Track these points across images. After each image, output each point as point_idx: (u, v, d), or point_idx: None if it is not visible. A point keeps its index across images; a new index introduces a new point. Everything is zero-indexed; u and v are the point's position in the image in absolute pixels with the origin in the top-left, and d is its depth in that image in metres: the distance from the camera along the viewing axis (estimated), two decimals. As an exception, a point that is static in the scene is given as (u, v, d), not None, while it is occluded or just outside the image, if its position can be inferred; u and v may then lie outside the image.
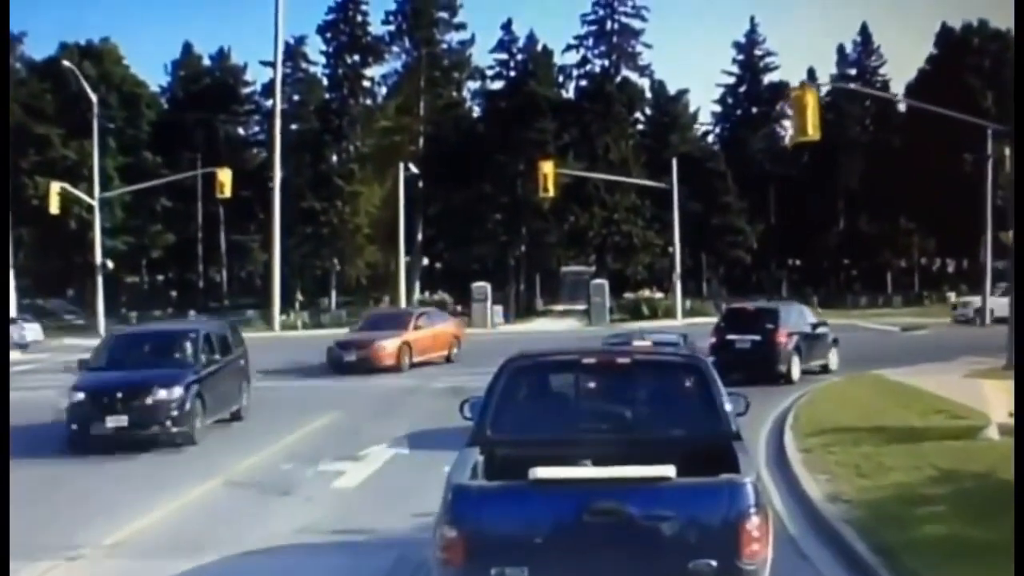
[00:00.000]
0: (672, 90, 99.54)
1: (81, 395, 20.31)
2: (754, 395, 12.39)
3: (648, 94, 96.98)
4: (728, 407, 9.96)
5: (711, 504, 8.31)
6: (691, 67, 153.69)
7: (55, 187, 58.44)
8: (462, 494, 8.50)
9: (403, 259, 72.03)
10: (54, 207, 58.21)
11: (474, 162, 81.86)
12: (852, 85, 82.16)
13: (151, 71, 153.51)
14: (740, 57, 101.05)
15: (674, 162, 70.32)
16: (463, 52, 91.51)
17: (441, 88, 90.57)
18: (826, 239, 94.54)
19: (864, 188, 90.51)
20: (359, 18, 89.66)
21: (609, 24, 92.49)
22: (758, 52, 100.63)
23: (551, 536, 8.21)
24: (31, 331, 56.04)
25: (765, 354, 28.96)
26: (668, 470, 8.37)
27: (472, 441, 9.87)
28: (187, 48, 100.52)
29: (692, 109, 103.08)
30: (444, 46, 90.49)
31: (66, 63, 71.34)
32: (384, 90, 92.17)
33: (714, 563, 8.10)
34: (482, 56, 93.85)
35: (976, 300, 56.62)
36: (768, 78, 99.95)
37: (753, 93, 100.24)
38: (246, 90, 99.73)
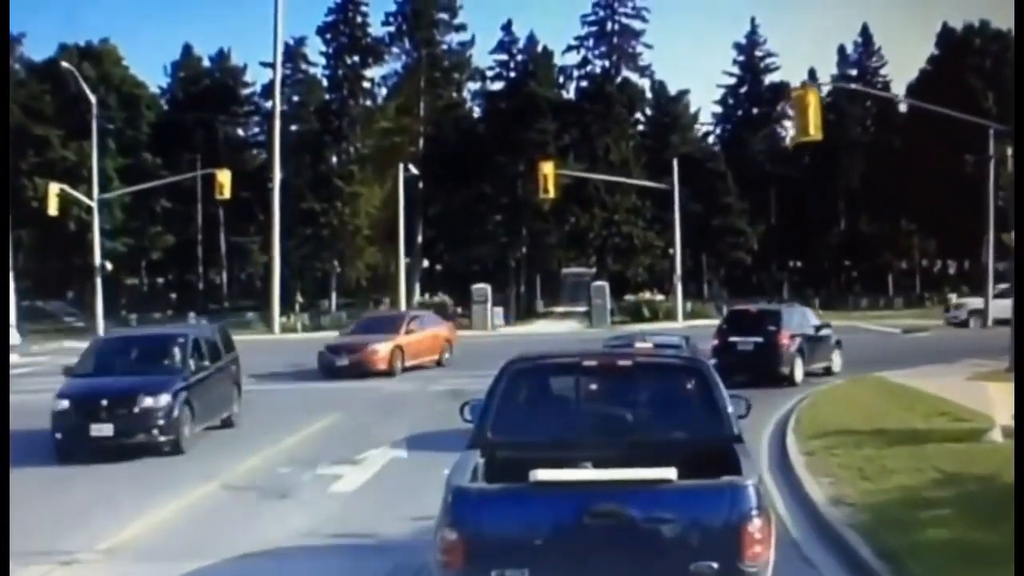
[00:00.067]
0: (673, 91, 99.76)
1: (65, 403, 19.72)
2: (756, 397, 12.33)
3: (649, 95, 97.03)
4: (730, 409, 9.90)
5: (713, 506, 8.27)
6: (692, 68, 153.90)
7: (54, 188, 58.17)
8: (462, 496, 8.48)
9: (403, 260, 71.87)
10: (53, 209, 57.94)
11: (474, 163, 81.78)
12: (853, 85, 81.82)
13: (151, 72, 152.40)
14: (741, 58, 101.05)
15: (675, 163, 70.18)
16: (463, 53, 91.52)
17: (441, 89, 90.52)
18: (827, 240, 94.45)
19: (865, 189, 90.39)
20: (359, 19, 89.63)
21: (609, 25, 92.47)
22: (759, 53, 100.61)
23: (552, 538, 8.17)
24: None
25: (768, 356, 28.91)
26: (669, 472, 8.33)
27: (472, 443, 9.83)
28: (187, 49, 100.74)
29: (693, 110, 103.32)
30: (444, 47, 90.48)
31: (65, 64, 71.15)
32: (384, 91, 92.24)
33: (716, 565, 8.07)
34: (482, 57, 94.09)
35: (970, 302, 56.43)
36: (769, 79, 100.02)
37: (754, 94, 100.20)
38: (246, 91, 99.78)
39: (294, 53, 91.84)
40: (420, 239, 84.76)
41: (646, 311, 67.85)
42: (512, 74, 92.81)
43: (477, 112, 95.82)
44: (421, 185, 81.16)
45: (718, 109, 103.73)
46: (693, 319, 62.93)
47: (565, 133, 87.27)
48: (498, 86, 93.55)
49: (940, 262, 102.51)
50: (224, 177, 57.73)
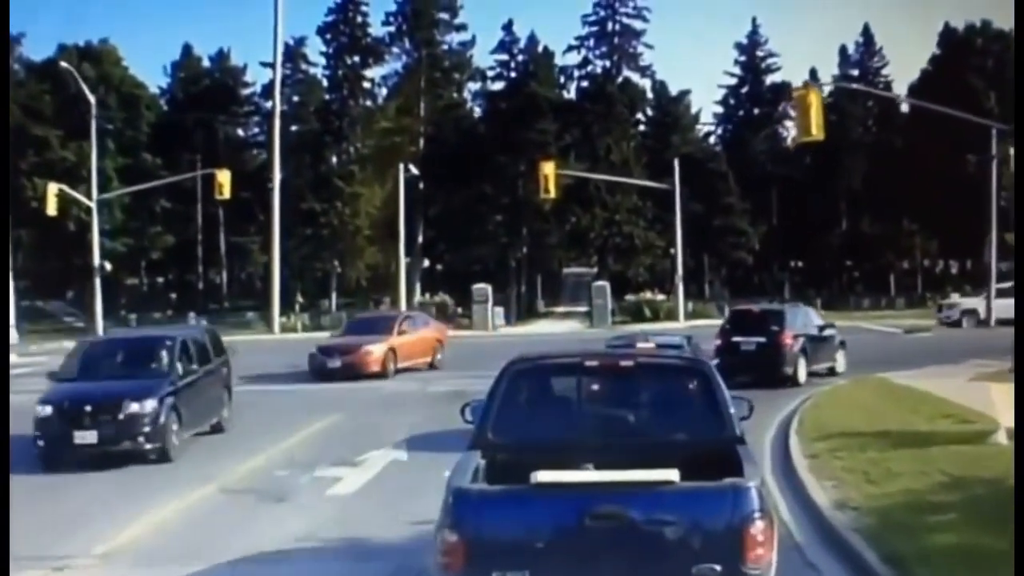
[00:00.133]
0: (674, 91, 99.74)
1: (48, 409, 19.03)
2: (759, 398, 12.21)
3: (650, 95, 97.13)
4: (732, 410, 9.85)
5: (715, 508, 8.19)
6: (693, 68, 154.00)
7: (53, 189, 58.12)
8: (463, 498, 8.41)
9: (403, 261, 71.76)
10: (51, 209, 57.88)
11: (475, 163, 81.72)
12: (855, 85, 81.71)
13: (151, 72, 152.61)
14: (742, 58, 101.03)
15: (676, 163, 70.06)
16: (464, 53, 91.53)
17: (442, 89, 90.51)
18: (828, 240, 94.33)
19: (867, 189, 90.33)
20: (359, 19, 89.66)
21: (610, 25, 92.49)
22: (760, 53, 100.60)
23: (553, 540, 8.11)
24: None
25: (771, 356, 28.79)
26: (671, 474, 8.25)
27: (473, 445, 9.77)
28: (187, 49, 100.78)
29: (694, 110, 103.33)
30: (445, 47, 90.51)
31: (64, 64, 71.07)
32: (384, 91, 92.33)
33: (718, 568, 8.00)
34: (483, 57, 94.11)
35: (963, 301, 56.32)
36: (770, 79, 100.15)
37: (755, 94, 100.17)
38: (246, 91, 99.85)
39: (294, 53, 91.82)
40: (420, 239, 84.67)
41: (647, 311, 67.69)
42: (513, 74, 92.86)
43: (478, 112, 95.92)
44: (421, 185, 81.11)
45: (719, 109, 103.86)
46: (694, 319, 62.84)
47: (566, 133, 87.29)
48: (499, 86, 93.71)
49: (942, 262, 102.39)
50: (224, 177, 57.66)
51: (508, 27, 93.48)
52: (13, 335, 56.23)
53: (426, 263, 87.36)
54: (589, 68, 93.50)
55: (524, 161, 78.21)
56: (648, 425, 10.26)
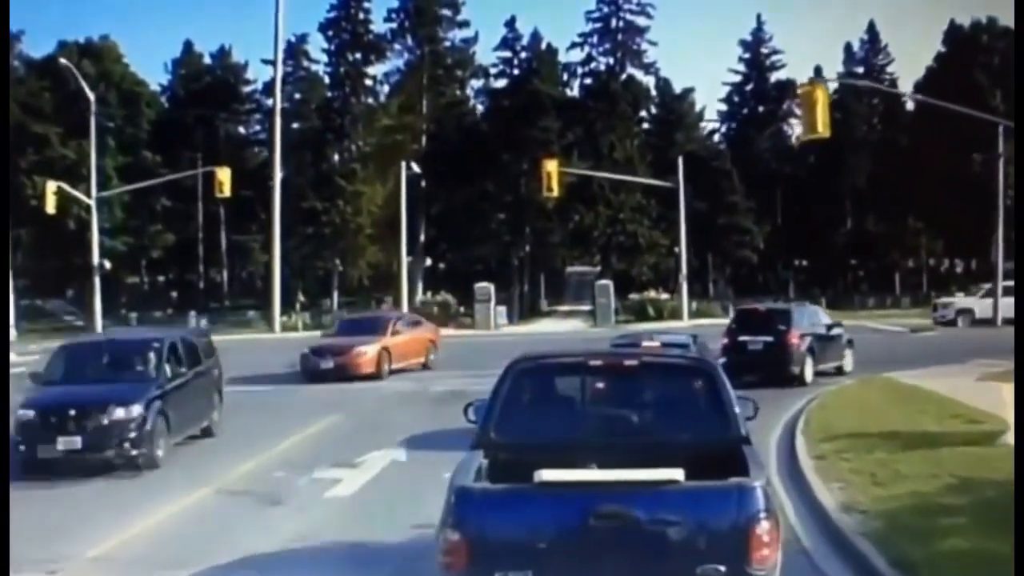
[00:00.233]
0: (678, 88, 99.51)
1: (30, 413, 18.25)
2: (765, 398, 12.11)
3: (653, 92, 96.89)
4: (737, 410, 9.78)
5: (720, 508, 8.15)
6: (697, 65, 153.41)
7: (51, 187, 57.93)
8: (465, 496, 8.39)
9: (405, 259, 71.49)
10: (50, 207, 57.68)
11: (477, 161, 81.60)
12: (862, 82, 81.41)
13: (151, 69, 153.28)
14: (746, 55, 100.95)
15: (680, 161, 69.80)
16: (466, 50, 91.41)
17: (444, 86, 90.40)
18: (833, 239, 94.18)
19: (872, 188, 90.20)
20: (361, 16, 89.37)
21: (614, 22, 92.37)
22: (764, 50, 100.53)
23: (556, 540, 8.09)
24: None
25: (778, 356, 28.69)
26: (676, 473, 8.23)
27: (476, 444, 9.74)
28: (188, 46, 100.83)
29: (698, 107, 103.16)
30: (447, 44, 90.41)
31: (63, 61, 70.93)
32: (386, 88, 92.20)
33: (723, 568, 7.97)
34: (485, 54, 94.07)
35: (957, 301, 56.27)
36: (775, 76, 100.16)
37: (760, 91, 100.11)
38: (247, 88, 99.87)
39: (296, 50, 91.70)
40: (423, 238, 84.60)
41: (651, 310, 67.44)
42: (516, 71, 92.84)
43: (480, 110, 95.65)
44: (423, 183, 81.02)
45: (723, 107, 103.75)
46: (698, 318, 62.66)
47: (569, 131, 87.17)
48: (501, 83, 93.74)
49: (947, 261, 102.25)
50: (224, 175, 57.45)
51: (511, 24, 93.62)
52: (12, 333, 56.02)
53: (428, 262, 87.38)
54: (592, 65, 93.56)
55: (527, 159, 78.07)
56: (652, 425, 10.20)
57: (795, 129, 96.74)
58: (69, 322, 75.98)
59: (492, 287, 66.35)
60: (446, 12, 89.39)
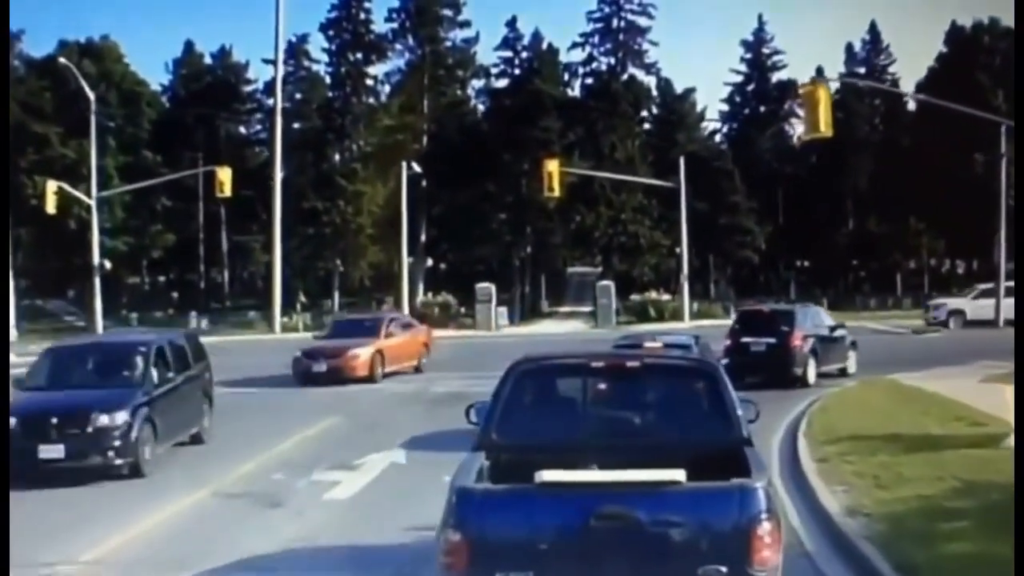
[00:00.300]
0: (679, 88, 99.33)
1: (12, 421, 17.32)
2: (767, 399, 12.04)
3: (655, 92, 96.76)
4: (739, 412, 9.78)
5: (721, 509, 8.14)
6: (698, 65, 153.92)
7: (52, 187, 57.85)
8: (466, 497, 8.36)
9: (406, 260, 71.40)
10: (50, 207, 57.59)
11: (478, 161, 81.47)
12: (864, 82, 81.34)
13: (152, 69, 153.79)
14: (748, 55, 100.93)
15: (681, 161, 69.71)
16: (467, 50, 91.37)
17: (445, 86, 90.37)
18: (835, 239, 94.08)
19: (873, 188, 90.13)
20: (362, 15, 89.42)
21: (615, 22, 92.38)
22: (766, 50, 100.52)
23: (557, 541, 8.07)
24: None
25: (780, 357, 28.61)
26: (678, 474, 8.21)
27: (478, 446, 9.73)
28: (188, 46, 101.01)
29: (699, 108, 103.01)
30: (448, 44, 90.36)
31: (63, 60, 70.84)
32: (387, 88, 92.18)
33: (724, 569, 7.95)
34: (486, 54, 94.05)
35: (950, 302, 55.94)
36: (776, 76, 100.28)
37: (761, 92, 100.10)
38: (248, 88, 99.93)
39: (297, 50, 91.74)
40: (423, 238, 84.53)
41: (652, 311, 67.35)
42: (517, 71, 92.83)
43: (481, 110, 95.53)
44: (424, 183, 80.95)
45: (725, 107, 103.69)
46: (700, 319, 62.64)
47: (570, 131, 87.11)
48: (502, 83, 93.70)
49: (949, 262, 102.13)
50: (224, 175, 57.33)
51: (512, 24, 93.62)
52: (12, 334, 55.95)
53: (429, 262, 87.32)
54: (594, 65, 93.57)
55: (528, 159, 77.97)
56: (654, 427, 10.18)
57: (796, 129, 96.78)
58: (70, 322, 76.01)
59: (493, 288, 66.32)
60: (447, 12, 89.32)
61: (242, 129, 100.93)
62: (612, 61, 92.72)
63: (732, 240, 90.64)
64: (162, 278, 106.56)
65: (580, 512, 8.04)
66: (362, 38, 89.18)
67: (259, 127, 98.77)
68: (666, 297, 71.86)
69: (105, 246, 69.93)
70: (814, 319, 31.00)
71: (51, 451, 17.19)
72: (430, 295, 74.08)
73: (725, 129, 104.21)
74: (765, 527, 8.00)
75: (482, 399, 10.48)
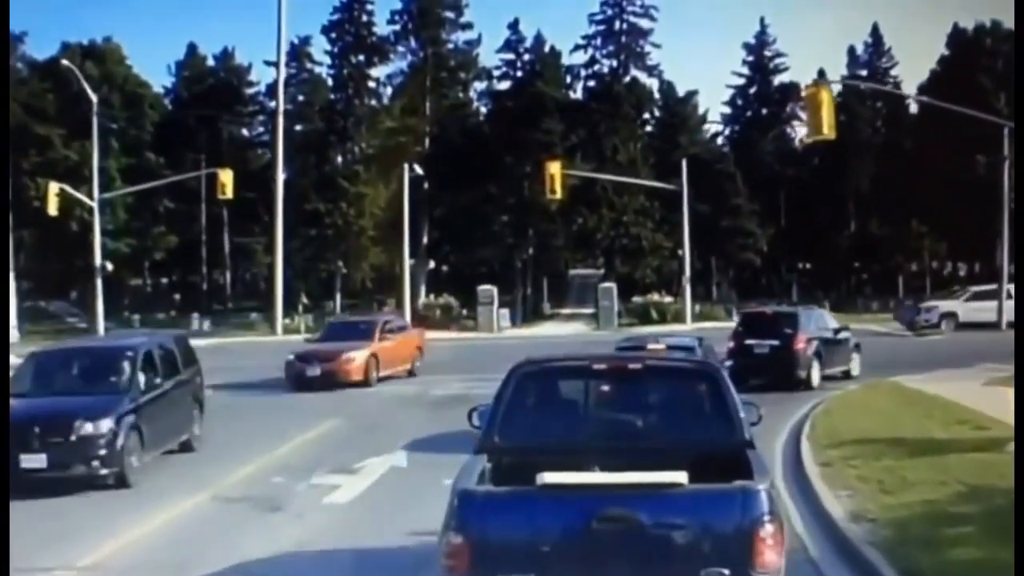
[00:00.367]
0: (681, 91, 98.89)
1: None
2: (770, 402, 11.95)
3: (657, 95, 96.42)
4: (742, 415, 9.79)
5: (724, 511, 8.15)
6: (700, 68, 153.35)
7: (53, 188, 57.84)
8: (468, 499, 8.36)
9: (408, 261, 71.29)
10: (52, 209, 57.60)
11: (480, 163, 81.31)
12: (866, 84, 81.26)
13: (155, 71, 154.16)
14: (750, 58, 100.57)
15: (683, 164, 69.64)
16: (469, 52, 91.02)
17: (447, 88, 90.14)
18: (837, 242, 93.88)
19: (875, 190, 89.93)
20: (364, 18, 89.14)
21: (617, 24, 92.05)
22: (768, 53, 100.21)
23: (559, 543, 8.06)
24: None
25: (784, 359, 28.62)
26: (680, 476, 8.22)
27: (479, 448, 9.75)
28: (191, 48, 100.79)
29: (701, 110, 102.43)
30: (450, 46, 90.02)
31: (65, 62, 70.76)
32: (389, 90, 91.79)
33: (727, 572, 7.95)
34: (489, 56, 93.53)
35: (941, 304, 55.42)
36: (778, 79, 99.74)
37: (763, 94, 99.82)
38: (250, 90, 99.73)
39: (299, 52, 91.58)
40: (425, 240, 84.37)
41: (654, 313, 67.23)
42: (519, 73, 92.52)
43: (483, 112, 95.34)
44: (426, 185, 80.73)
45: (727, 110, 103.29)
46: (702, 321, 62.54)
47: (572, 133, 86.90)
48: (505, 85, 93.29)
49: (951, 264, 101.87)
50: (226, 176, 57.37)
51: (514, 26, 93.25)
52: (14, 335, 55.89)
53: (431, 264, 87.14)
54: (596, 67, 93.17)
55: (530, 161, 77.79)
56: (656, 429, 10.17)
57: (798, 132, 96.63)
58: (72, 324, 75.98)
59: (495, 290, 66.30)
60: (449, 14, 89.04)
61: (244, 131, 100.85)
62: (614, 63, 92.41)
63: (734, 242, 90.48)
64: (164, 280, 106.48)
65: (582, 514, 8.03)
66: (364, 40, 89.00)
67: (261, 129, 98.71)
68: (668, 299, 71.79)
69: (107, 248, 69.90)
70: (818, 322, 30.97)
71: (33, 460, 16.52)
72: (432, 297, 74.07)
73: (727, 131, 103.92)
74: (768, 529, 7.99)
75: (484, 402, 10.47)
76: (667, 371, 10.87)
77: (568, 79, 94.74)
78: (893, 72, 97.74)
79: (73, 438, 16.83)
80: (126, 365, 18.90)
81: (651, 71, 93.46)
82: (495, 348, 41.62)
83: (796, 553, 11.08)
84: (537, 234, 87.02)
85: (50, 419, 17.10)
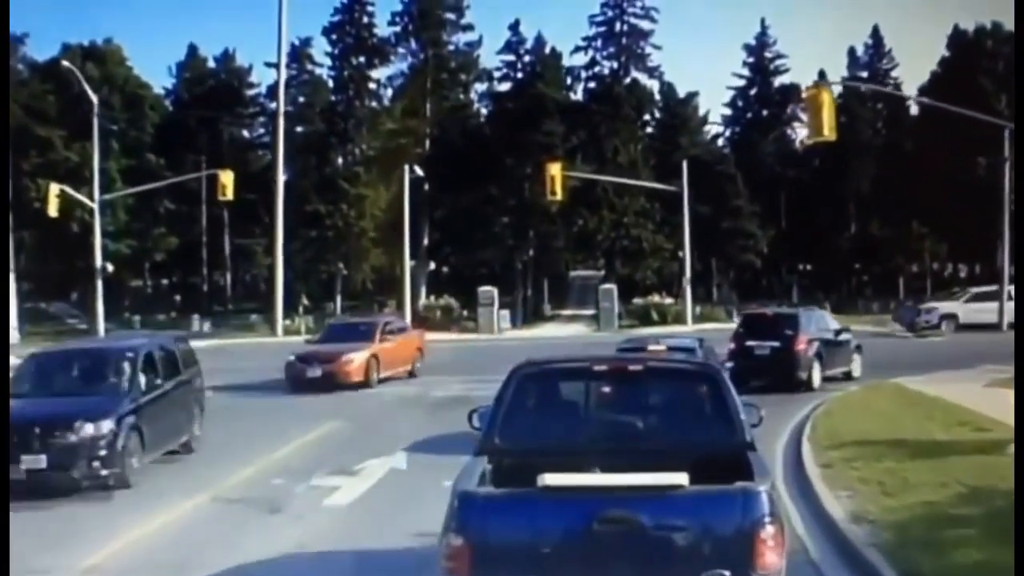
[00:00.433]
0: (682, 92, 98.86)
1: None
2: (771, 404, 11.99)
3: (657, 96, 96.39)
4: (742, 416, 9.78)
5: (724, 513, 8.14)
6: (701, 69, 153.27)
7: (54, 189, 57.82)
8: (468, 501, 8.33)
9: (408, 263, 71.25)
10: (52, 210, 57.59)
11: (481, 165, 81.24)
12: (867, 85, 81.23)
13: (155, 73, 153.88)
14: (750, 59, 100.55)
15: (684, 165, 69.60)
16: (470, 53, 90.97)
17: (448, 90, 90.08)
18: (837, 243, 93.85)
19: (875, 192, 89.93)
20: (365, 19, 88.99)
21: (618, 25, 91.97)
22: (768, 54, 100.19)
23: (560, 545, 8.04)
24: None
25: (785, 361, 28.57)
26: (680, 478, 8.20)
27: (480, 450, 9.73)
28: (192, 49, 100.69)
29: (702, 111, 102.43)
30: (451, 47, 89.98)
31: (66, 64, 70.69)
32: (390, 92, 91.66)
33: (727, 574, 7.94)
34: (489, 57, 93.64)
35: (941, 306, 55.29)
36: (779, 80, 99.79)
37: (763, 95, 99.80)
38: (251, 92, 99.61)
39: (299, 54, 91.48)
40: (426, 241, 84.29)
41: (655, 314, 67.19)
42: (520, 75, 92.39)
43: (484, 113, 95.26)
44: (427, 187, 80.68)
45: (727, 111, 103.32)
46: (702, 323, 62.49)
47: (573, 135, 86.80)
48: (505, 87, 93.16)
49: (952, 266, 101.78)
50: (226, 178, 57.33)
51: (515, 27, 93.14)
52: (14, 336, 55.91)
53: (432, 265, 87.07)
54: (596, 69, 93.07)
55: (531, 163, 77.78)
56: (657, 430, 10.15)
57: (799, 133, 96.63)
58: (72, 325, 75.97)
59: (496, 291, 66.26)
60: (450, 16, 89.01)
61: (245, 132, 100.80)
62: (615, 65, 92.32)
63: (735, 244, 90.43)
64: (165, 281, 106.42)
65: (583, 516, 8.00)
66: (365, 42, 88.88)
67: (262, 130, 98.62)
68: (668, 301, 71.75)
69: (108, 249, 69.87)
70: (819, 323, 30.94)
71: (33, 461, 16.32)
72: (432, 298, 74.02)
73: (728, 133, 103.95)
74: (768, 531, 7.97)
75: (484, 403, 10.44)
76: (667, 372, 10.83)
77: (569, 80, 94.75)
78: (894, 74, 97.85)
79: (74, 439, 16.68)
80: (127, 366, 18.83)
81: (652, 72, 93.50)
82: (495, 349, 41.57)
83: (797, 555, 11.04)
84: (538, 235, 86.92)
85: (51, 420, 16.94)
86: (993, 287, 54.63)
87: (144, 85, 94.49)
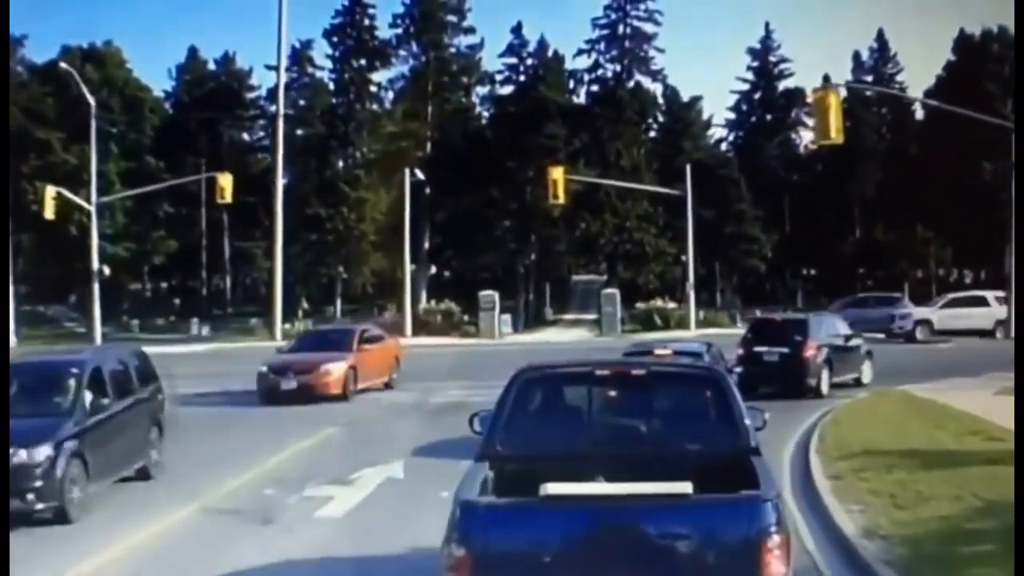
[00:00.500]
0: (685, 96, 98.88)
1: None
2: (778, 410, 11.62)
3: (660, 100, 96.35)
4: (747, 421, 9.70)
5: (730, 522, 8.03)
6: (704, 73, 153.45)
7: (50, 192, 57.56)
8: (470, 510, 8.24)
9: (409, 267, 70.91)
10: (49, 212, 57.42)
11: (482, 168, 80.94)
12: (873, 88, 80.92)
13: (155, 75, 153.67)
14: (755, 63, 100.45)
15: (687, 169, 69.26)
16: (472, 56, 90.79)
17: (449, 93, 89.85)
18: (841, 248, 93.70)
19: (880, 196, 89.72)
20: (366, 22, 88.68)
21: (621, 28, 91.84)
22: (773, 58, 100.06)
23: (562, 555, 7.96)
24: None
25: (793, 367, 28.31)
26: (685, 487, 8.08)
27: (481, 456, 9.65)
28: (192, 52, 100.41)
29: (705, 115, 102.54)
30: (452, 50, 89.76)
31: (65, 66, 70.33)
32: (391, 95, 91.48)
33: None
34: (491, 60, 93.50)
35: (916, 311, 54.41)
36: (783, 84, 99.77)
37: (768, 100, 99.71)
38: (251, 95, 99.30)
39: (300, 56, 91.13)
40: (427, 245, 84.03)
41: (657, 319, 66.83)
42: (522, 78, 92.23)
43: (486, 116, 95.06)
44: (428, 190, 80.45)
45: (731, 115, 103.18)
46: (706, 327, 62.16)
47: (575, 138, 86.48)
48: (507, 90, 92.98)
49: (956, 271, 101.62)
50: (225, 181, 57.03)
51: (517, 30, 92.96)
52: (12, 340, 55.66)
53: (433, 269, 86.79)
54: (599, 72, 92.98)
55: (533, 166, 77.58)
56: (660, 435, 10.10)
57: (803, 137, 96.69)
58: (70, 328, 75.94)
59: (497, 295, 66.05)
60: (452, 18, 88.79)
61: (245, 135, 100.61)
62: (618, 68, 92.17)
63: (738, 248, 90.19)
64: (164, 284, 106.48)
65: (586, 525, 7.94)
66: (366, 44, 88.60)
67: (262, 133, 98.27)
68: (672, 305, 71.44)
69: (107, 252, 69.61)
70: (828, 328, 30.69)
71: None
72: (433, 302, 73.72)
73: (731, 137, 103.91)
74: (775, 540, 7.83)
75: (486, 408, 10.37)
76: (671, 377, 10.75)
77: (571, 84, 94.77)
78: (899, 78, 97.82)
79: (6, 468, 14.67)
80: (71, 383, 16.70)
81: (655, 76, 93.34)
82: (497, 354, 41.15)
83: (808, 572, 10.85)
84: (539, 239, 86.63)
85: None
86: (971, 293, 54.14)
87: (144, 87, 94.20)
